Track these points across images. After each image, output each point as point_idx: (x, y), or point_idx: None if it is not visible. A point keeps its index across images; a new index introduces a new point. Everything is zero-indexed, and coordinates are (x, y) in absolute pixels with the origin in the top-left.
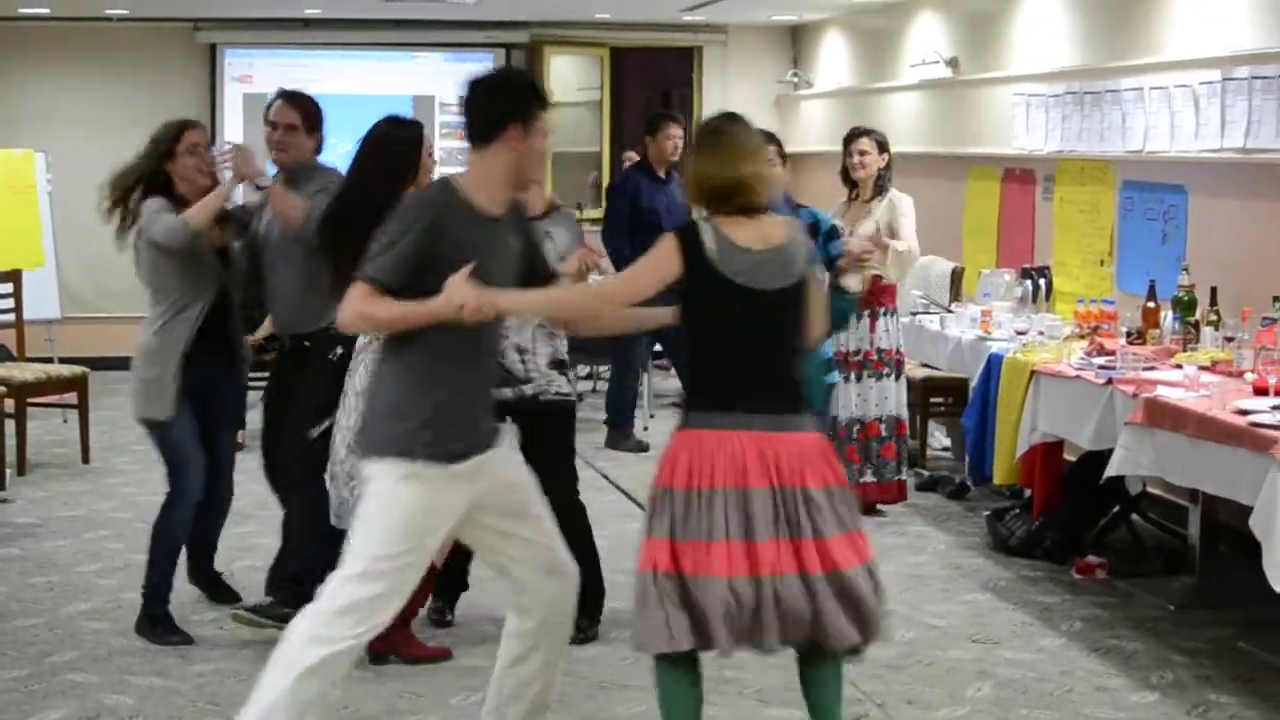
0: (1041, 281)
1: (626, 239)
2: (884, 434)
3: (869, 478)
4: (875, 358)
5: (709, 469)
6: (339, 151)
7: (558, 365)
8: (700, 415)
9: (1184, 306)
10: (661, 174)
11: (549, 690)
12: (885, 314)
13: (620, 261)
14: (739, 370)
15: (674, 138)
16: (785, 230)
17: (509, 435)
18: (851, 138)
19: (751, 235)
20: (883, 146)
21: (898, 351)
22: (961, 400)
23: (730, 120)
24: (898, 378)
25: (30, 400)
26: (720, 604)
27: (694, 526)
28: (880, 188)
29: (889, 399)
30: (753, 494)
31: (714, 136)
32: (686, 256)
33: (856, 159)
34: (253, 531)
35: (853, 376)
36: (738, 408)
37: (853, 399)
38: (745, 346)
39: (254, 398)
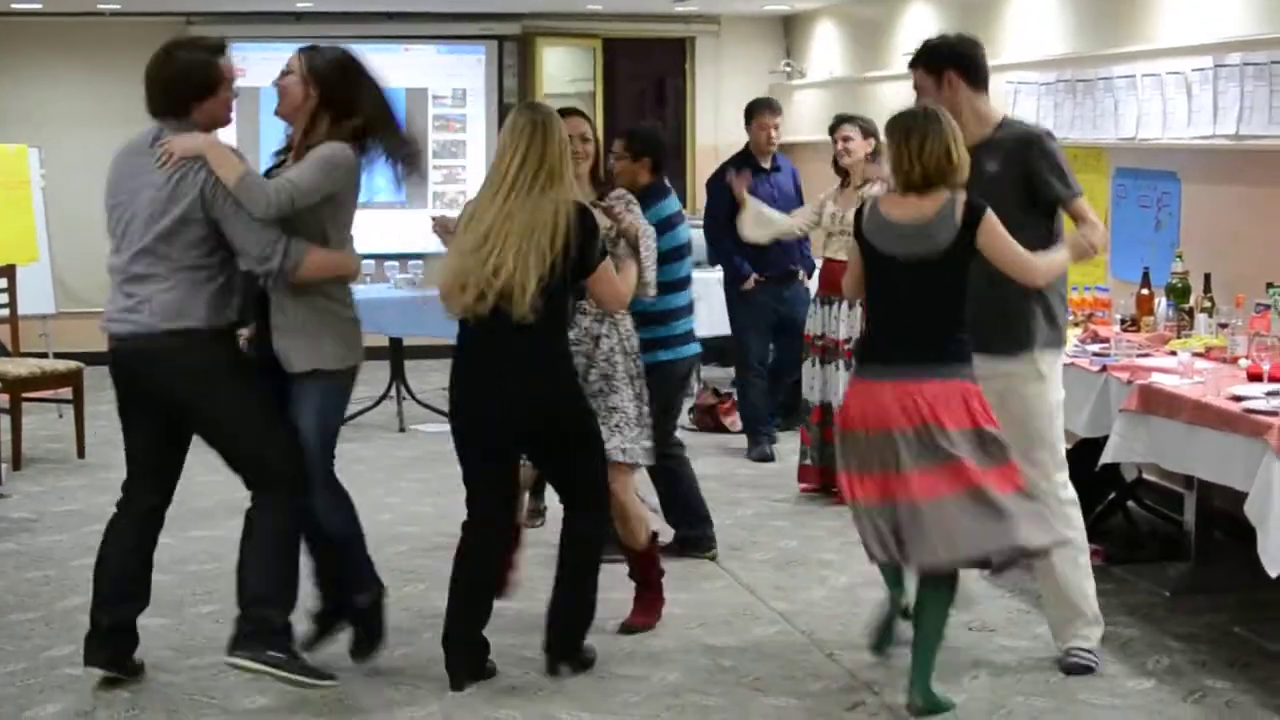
0: None
1: (726, 231)
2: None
3: None
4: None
5: (861, 414)
6: None
7: None
8: (859, 367)
9: (1178, 293)
10: (765, 164)
11: None
12: (837, 302)
13: (721, 256)
14: (885, 328)
15: (768, 126)
16: (937, 206)
17: None
18: (836, 125)
19: (904, 211)
20: (867, 132)
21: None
22: None
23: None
24: None
25: (25, 395)
26: (870, 527)
27: (858, 461)
28: (868, 174)
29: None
30: (895, 435)
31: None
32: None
33: (841, 146)
34: None
35: (842, 363)
36: (885, 361)
37: (841, 384)
38: (891, 307)
39: None
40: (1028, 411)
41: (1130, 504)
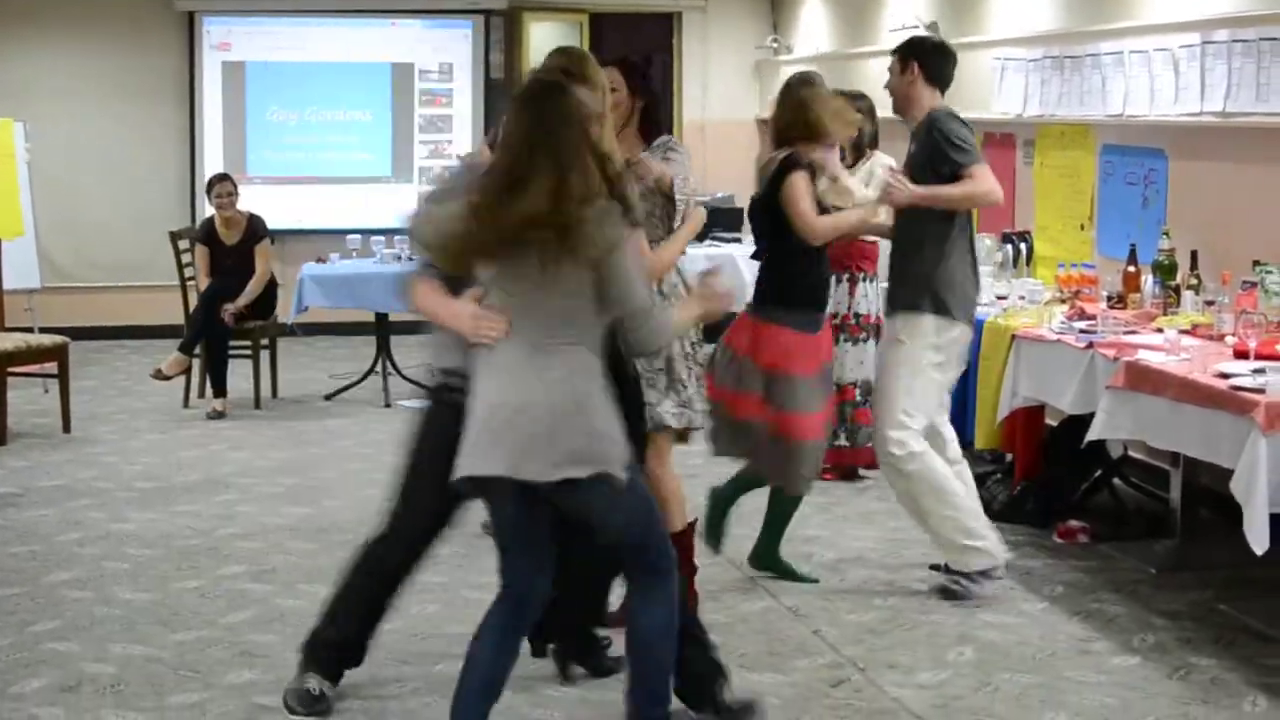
0: (1022, 246)
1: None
2: (859, 399)
3: (842, 441)
4: (853, 321)
5: (734, 340)
6: (318, 118)
7: None
8: None
9: (1164, 270)
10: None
11: None
12: (864, 279)
13: None
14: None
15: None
16: (774, 163)
17: None
18: None
19: (762, 164)
20: (855, 107)
21: (877, 316)
22: None
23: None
24: (877, 342)
25: (10, 370)
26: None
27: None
28: (859, 150)
29: (865, 363)
30: (740, 359)
31: None
32: None
33: None
34: (234, 500)
35: (863, 339)
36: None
37: (864, 360)
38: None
39: (234, 365)
40: (882, 364)
41: (1116, 481)
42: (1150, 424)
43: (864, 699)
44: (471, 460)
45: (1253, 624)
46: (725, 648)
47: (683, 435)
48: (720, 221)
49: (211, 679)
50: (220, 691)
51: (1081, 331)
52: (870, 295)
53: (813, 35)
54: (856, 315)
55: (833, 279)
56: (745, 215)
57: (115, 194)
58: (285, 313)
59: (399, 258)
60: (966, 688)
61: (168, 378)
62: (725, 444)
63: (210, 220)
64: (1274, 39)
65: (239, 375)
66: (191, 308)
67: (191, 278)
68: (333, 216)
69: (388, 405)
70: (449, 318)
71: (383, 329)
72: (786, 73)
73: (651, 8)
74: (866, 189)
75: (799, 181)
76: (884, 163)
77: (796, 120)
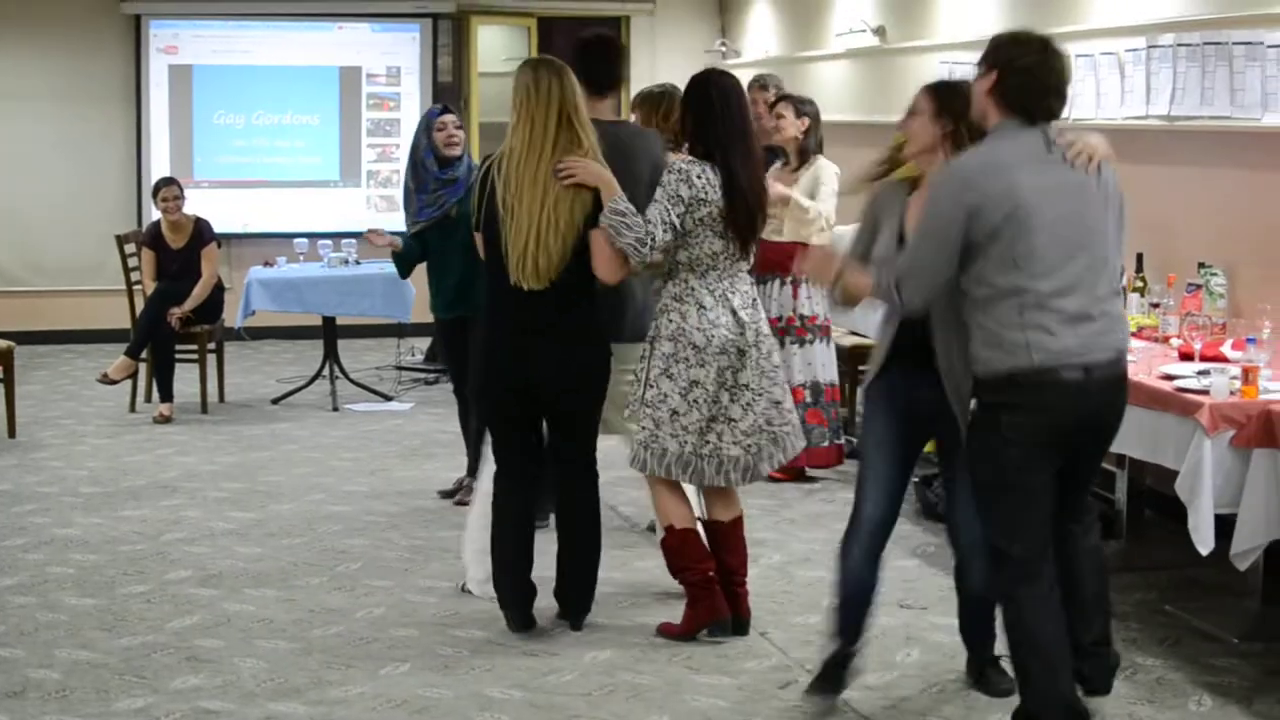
0: None
1: None
2: (808, 400)
3: None
4: (798, 324)
5: None
6: (265, 122)
7: None
8: None
9: None
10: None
11: None
12: (808, 281)
13: None
14: None
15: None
16: None
17: None
18: (772, 103)
19: None
20: (800, 111)
21: (825, 317)
22: None
23: None
24: (826, 343)
25: None
26: None
27: None
28: (804, 154)
29: (813, 364)
30: None
31: None
32: None
33: (774, 123)
34: (180, 504)
35: (819, 340)
36: None
37: (818, 359)
38: None
39: (181, 369)
40: None
41: None
42: None
43: (812, 700)
44: None
45: (1198, 624)
46: (672, 648)
47: None
48: None
49: (158, 684)
50: (166, 696)
51: None
52: (816, 297)
53: (761, 39)
54: (801, 317)
55: (776, 282)
56: None
57: (61, 197)
58: (232, 317)
59: (345, 261)
60: (914, 689)
61: (114, 382)
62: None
63: (156, 224)
64: (1218, 43)
65: (186, 379)
66: (138, 312)
67: (138, 282)
68: (280, 220)
69: (335, 409)
70: None
71: (330, 333)
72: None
73: (599, 12)
74: (815, 199)
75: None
76: (829, 169)
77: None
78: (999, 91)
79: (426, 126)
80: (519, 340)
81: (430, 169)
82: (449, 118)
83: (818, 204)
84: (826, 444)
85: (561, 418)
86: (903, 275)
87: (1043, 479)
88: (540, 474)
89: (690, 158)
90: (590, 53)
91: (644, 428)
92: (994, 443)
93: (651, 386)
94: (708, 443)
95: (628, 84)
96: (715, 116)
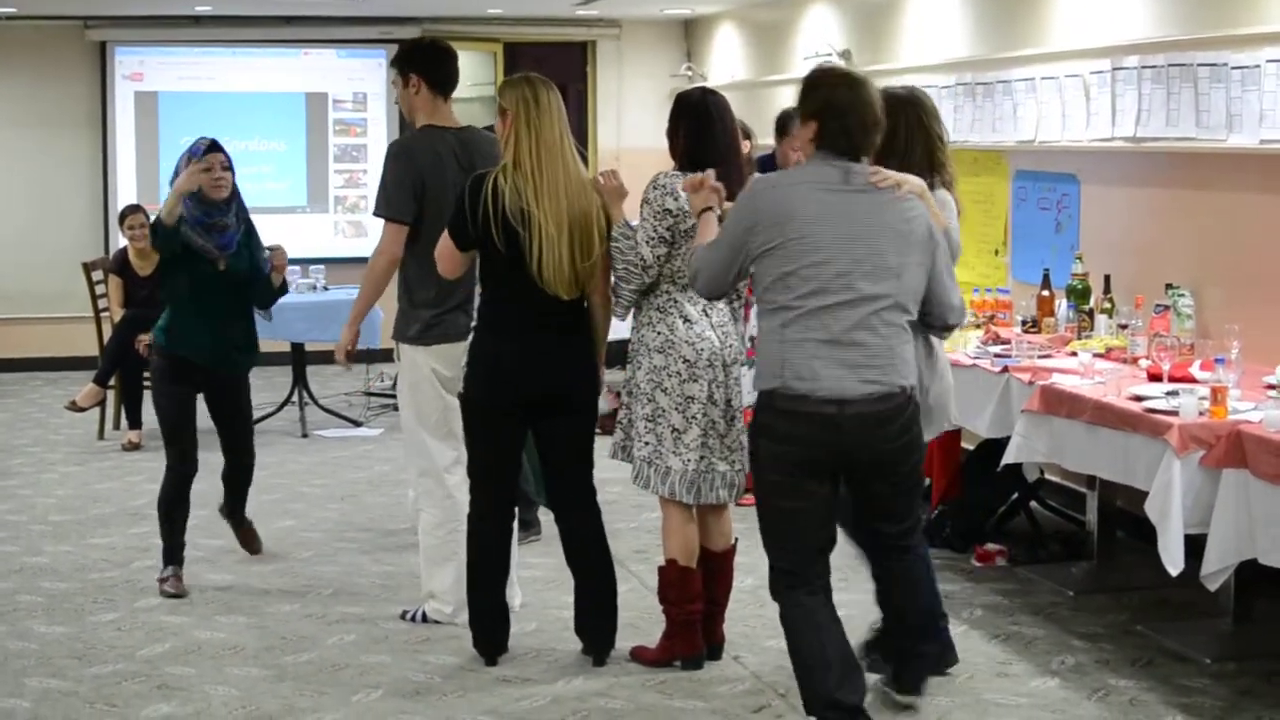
0: None
1: None
2: None
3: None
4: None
5: None
6: (232, 148)
7: None
8: None
9: (1078, 295)
10: None
11: None
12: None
13: None
14: None
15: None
16: None
17: None
18: None
19: None
20: (745, 134)
21: None
22: None
23: None
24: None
25: None
26: None
27: None
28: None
29: None
30: None
31: None
32: None
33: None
34: (150, 531)
35: None
36: None
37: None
38: None
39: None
40: None
41: (1033, 504)
42: (1066, 447)
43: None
44: None
45: (1169, 644)
46: (644, 674)
47: None
48: None
49: (129, 712)
50: None
51: (996, 356)
52: None
53: (727, 63)
54: (752, 340)
55: None
56: None
57: (27, 225)
58: None
59: (314, 287)
60: (885, 707)
61: (82, 409)
62: None
63: (124, 251)
64: (1183, 65)
65: (154, 407)
66: (106, 339)
67: (105, 309)
68: None
69: (305, 435)
70: None
71: (299, 359)
72: None
73: (566, 36)
74: None
75: None
76: None
77: None
78: (819, 136)
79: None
80: (537, 348)
81: (192, 214)
82: (217, 156)
83: None
84: None
85: (578, 433)
86: (698, 268)
87: (802, 504)
88: (514, 504)
89: (674, 171)
90: (430, 54)
91: (646, 443)
92: (758, 459)
93: (649, 401)
94: (703, 459)
95: (594, 110)
96: (711, 132)
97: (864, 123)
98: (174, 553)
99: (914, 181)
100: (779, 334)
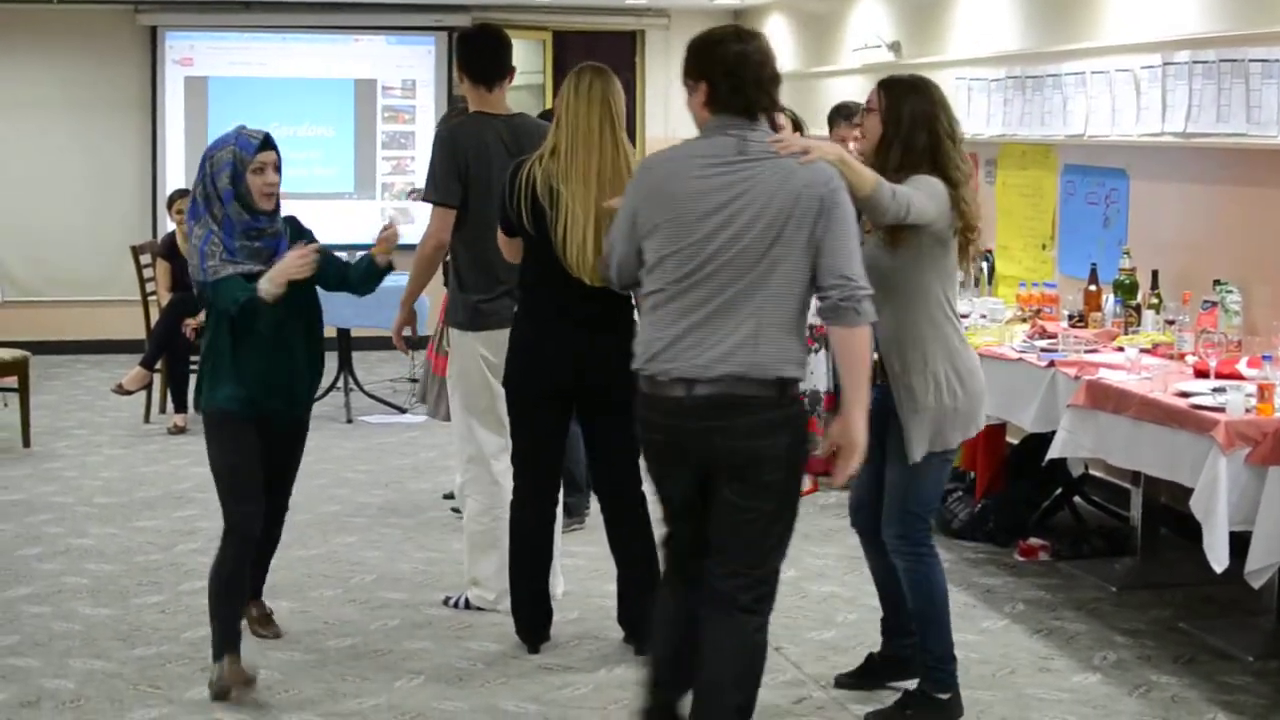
0: (984, 265)
1: None
2: (806, 408)
3: None
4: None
5: None
6: (280, 134)
7: None
8: None
9: (1125, 290)
10: None
11: None
12: None
13: None
14: None
15: (846, 139)
16: None
17: None
18: None
19: None
20: (796, 124)
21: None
22: None
23: None
24: (821, 351)
25: None
26: None
27: None
28: None
29: (815, 373)
30: None
31: None
32: None
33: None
34: (195, 515)
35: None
36: None
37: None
38: None
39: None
40: None
41: (1077, 500)
42: (1111, 443)
43: (825, 716)
44: None
45: (1212, 642)
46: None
47: None
48: None
49: (172, 694)
50: (181, 707)
51: (1043, 350)
52: (812, 307)
53: (776, 54)
54: (809, 327)
55: None
56: None
57: (77, 208)
58: None
59: None
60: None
61: (129, 392)
62: None
63: (171, 235)
64: (1234, 60)
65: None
66: (153, 322)
67: (153, 293)
68: None
69: (350, 421)
70: None
71: (345, 345)
72: None
73: (614, 25)
74: None
75: None
76: None
77: None
78: (710, 98)
79: (234, 164)
80: (568, 337)
81: (239, 217)
82: (270, 155)
83: None
84: (820, 452)
85: (622, 430)
86: (608, 253)
87: (673, 491)
88: (557, 492)
89: None
90: (473, 45)
91: None
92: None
93: None
94: None
95: (642, 99)
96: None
97: (759, 78)
98: (233, 640)
99: (827, 148)
100: (650, 315)
